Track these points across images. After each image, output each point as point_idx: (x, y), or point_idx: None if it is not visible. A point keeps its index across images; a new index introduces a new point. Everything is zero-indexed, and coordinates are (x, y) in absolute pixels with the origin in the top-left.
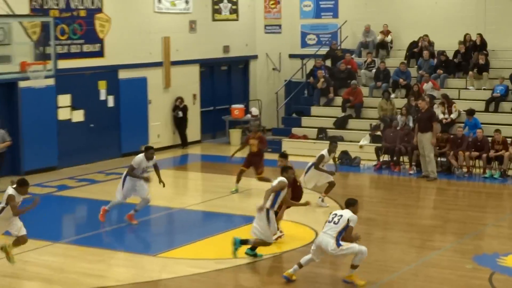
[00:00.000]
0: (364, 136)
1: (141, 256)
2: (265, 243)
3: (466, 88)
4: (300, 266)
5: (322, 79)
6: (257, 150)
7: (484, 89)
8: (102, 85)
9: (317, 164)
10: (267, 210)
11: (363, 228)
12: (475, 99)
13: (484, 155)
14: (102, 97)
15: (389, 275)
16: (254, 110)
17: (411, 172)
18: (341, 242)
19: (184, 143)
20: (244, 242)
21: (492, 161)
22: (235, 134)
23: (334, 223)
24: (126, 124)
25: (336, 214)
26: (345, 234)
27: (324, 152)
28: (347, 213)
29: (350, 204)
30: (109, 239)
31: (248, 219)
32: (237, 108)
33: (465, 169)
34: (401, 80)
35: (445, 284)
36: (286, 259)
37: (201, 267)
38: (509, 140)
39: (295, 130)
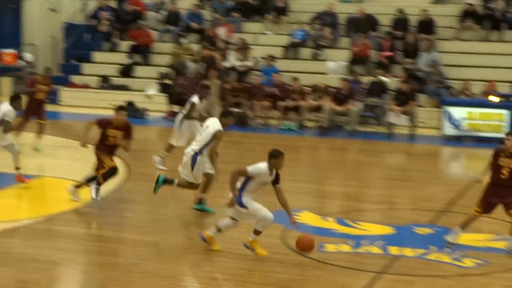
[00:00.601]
0: (152, 85)
1: None
2: (192, 186)
3: (263, 33)
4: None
5: (105, 22)
6: (43, 97)
7: (282, 34)
8: None
9: (189, 114)
10: (195, 154)
11: (142, 185)
12: (273, 44)
13: (281, 105)
14: None
15: (174, 235)
16: (28, 56)
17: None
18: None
19: None
20: (168, 181)
21: (289, 111)
22: (5, 83)
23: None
24: None
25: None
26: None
27: (195, 99)
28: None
29: (271, 155)
30: None
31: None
32: (7, 53)
33: (261, 120)
34: (193, 23)
35: (234, 243)
36: (65, 220)
37: None
38: (307, 89)
39: (74, 78)
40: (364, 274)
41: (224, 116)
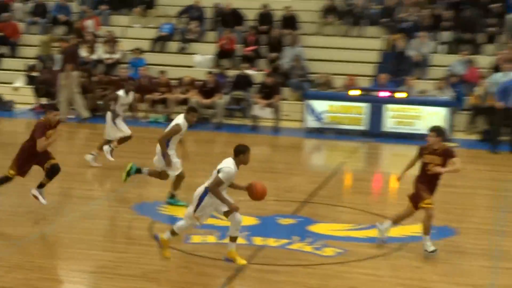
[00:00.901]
0: (19, 77)
1: None
2: (161, 176)
3: (131, 26)
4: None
5: None
6: None
7: (150, 27)
8: None
9: (107, 105)
10: (163, 154)
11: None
12: (141, 37)
13: (149, 98)
14: None
15: (43, 228)
16: None
17: (70, 116)
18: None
19: None
20: (139, 171)
21: (156, 104)
22: None
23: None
24: None
25: None
26: (210, 186)
27: (120, 92)
28: (223, 163)
29: (239, 151)
30: None
31: None
32: None
33: (128, 113)
34: (61, 16)
35: (102, 235)
36: None
37: None
38: (174, 82)
39: None
40: (230, 264)
41: (187, 112)
